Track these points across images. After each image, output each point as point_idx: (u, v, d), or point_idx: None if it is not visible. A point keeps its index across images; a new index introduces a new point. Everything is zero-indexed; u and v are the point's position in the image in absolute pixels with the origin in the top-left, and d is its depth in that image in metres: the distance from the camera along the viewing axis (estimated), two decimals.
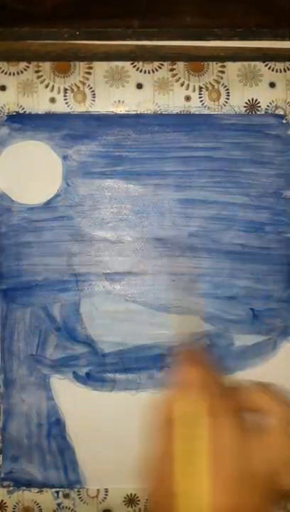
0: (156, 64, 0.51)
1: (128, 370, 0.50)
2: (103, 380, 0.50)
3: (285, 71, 0.52)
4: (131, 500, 0.50)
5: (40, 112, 0.51)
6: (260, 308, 0.51)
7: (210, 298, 0.50)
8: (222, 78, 0.52)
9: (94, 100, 0.51)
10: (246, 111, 0.52)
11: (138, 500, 0.50)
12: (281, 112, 0.52)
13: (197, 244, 0.51)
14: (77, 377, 0.50)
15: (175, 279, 0.50)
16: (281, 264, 0.51)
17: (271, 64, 0.52)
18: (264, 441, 0.30)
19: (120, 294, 0.50)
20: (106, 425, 0.50)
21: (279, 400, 0.31)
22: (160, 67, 0.51)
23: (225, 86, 0.52)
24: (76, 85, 0.51)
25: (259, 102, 0.52)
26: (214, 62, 0.51)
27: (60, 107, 0.51)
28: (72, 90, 0.51)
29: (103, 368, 0.50)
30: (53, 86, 0.51)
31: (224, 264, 0.51)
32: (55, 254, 0.50)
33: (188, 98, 0.51)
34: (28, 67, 0.51)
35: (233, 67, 0.52)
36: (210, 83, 0.52)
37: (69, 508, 0.50)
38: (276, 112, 0.52)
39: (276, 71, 0.52)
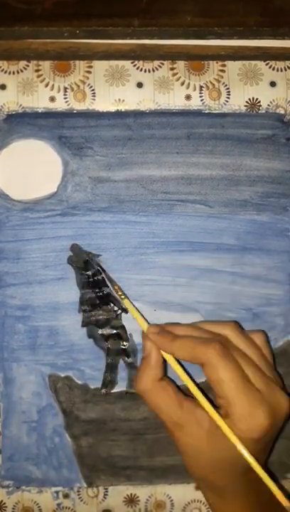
0: (157, 63, 0.51)
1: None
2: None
3: (285, 70, 0.52)
4: (131, 500, 0.50)
5: (39, 111, 0.51)
6: (261, 306, 0.51)
7: (211, 295, 0.50)
8: (222, 77, 0.52)
9: (94, 99, 0.51)
10: (247, 110, 0.52)
11: (138, 501, 0.50)
12: (282, 111, 0.52)
13: (199, 243, 0.51)
14: (77, 374, 0.50)
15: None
16: (282, 262, 0.51)
17: (272, 63, 0.52)
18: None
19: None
20: (107, 423, 0.50)
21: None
22: (160, 66, 0.51)
23: (226, 85, 0.52)
24: (76, 84, 0.51)
25: (259, 101, 0.52)
26: (214, 61, 0.51)
27: (60, 106, 0.51)
28: (72, 89, 0.51)
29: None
30: (53, 85, 0.51)
31: (225, 261, 0.51)
32: (54, 251, 0.50)
33: (188, 97, 0.51)
34: (27, 66, 0.51)
35: (234, 66, 0.52)
36: (211, 82, 0.52)
37: (69, 508, 0.50)
38: (277, 111, 0.52)
39: (277, 70, 0.52)
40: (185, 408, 0.40)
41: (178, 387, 0.43)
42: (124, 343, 0.50)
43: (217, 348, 0.38)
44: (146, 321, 0.46)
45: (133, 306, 0.47)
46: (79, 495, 0.50)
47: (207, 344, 0.39)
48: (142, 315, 0.46)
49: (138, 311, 0.46)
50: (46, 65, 0.51)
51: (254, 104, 0.52)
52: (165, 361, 0.43)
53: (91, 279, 0.49)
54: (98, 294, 0.49)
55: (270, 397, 0.38)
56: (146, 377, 0.41)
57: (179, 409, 0.40)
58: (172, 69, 0.51)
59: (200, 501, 0.50)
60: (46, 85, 0.51)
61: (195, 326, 0.43)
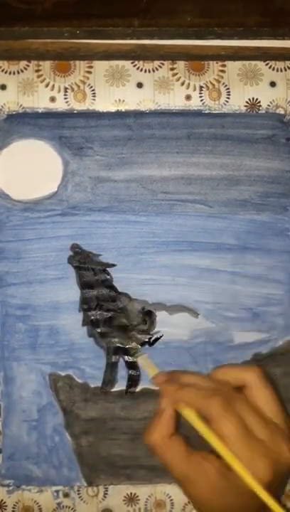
0: (157, 63, 0.51)
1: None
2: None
3: (285, 70, 0.52)
4: (131, 500, 0.50)
5: (40, 111, 0.51)
6: (261, 305, 0.51)
7: (211, 295, 0.51)
8: (222, 77, 0.52)
9: (94, 99, 0.51)
10: (247, 110, 0.52)
11: (138, 500, 0.50)
12: (282, 111, 0.52)
13: (199, 242, 0.51)
14: (77, 373, 0.50)
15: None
16: (282, 262, 0.51)
17: (272, 63, 0.52)
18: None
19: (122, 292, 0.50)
20: (107, 422, 0.50)
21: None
22: (160, 67, 0.52)
23: (226, 85, 0.52)
24: (76, 84, 0.51)
25: (259, 101, 0.52)
26: (214, 62, 0.52)
27: (60, 106, 0.51)
28: (73, 89, 0.51)
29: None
30: (53, 85, 0.51)
31: (225, 261, 0.51)
32: (54, 251, 0.50)
33: (188, 97, 0.51)
34: (28, 66, 0.51)
35: (233, 67, 0.52)
36: (211, 82, 0.52)
37: (69, 508, 0.50)
38: (277, 111, 0.52)
39: (277, 70, 0.52)
40: (192, 461, 0.40)
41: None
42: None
43: (218, 403, 0.38)
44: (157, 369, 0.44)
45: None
46: (79, 494, 0.50)
47: (209, 398, 0.39)
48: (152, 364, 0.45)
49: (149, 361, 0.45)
50: (46, 65, 0.51)
51: (254, 104, 0.52)
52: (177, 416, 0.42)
53: (91, 279, 0.49)
54: (98, 293, 0.49)
55: (273, 447, 0.39)
56: (156, 432, 0.41)
57: (187, 463, 0.40)
58: (172, 69, 0.52)
59: None
60: (46, 85, 0.51)
61: (203, 375, 0.43)
